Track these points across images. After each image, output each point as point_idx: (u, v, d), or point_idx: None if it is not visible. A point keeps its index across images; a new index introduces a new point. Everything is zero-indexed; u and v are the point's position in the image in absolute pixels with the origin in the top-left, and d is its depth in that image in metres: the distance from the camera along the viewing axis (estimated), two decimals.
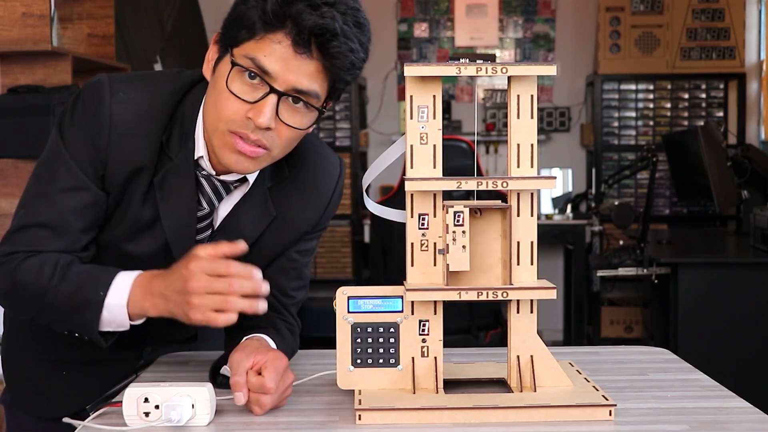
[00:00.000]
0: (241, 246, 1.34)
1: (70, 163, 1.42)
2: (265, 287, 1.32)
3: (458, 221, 1.29)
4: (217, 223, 1.51)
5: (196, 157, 1.45)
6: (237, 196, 1.51)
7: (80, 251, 1.46)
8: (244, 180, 1.49)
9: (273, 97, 1.34)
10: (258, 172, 1.49)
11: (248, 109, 1.35)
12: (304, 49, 1.32)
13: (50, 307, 1.41)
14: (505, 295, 1.31)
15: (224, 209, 1.51)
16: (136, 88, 1.44)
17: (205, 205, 1.48)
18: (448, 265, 1.30)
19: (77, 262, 1.43)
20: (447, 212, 1.30)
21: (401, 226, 1.36)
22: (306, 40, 1.31)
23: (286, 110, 1.36)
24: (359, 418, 1.26)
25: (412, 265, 1.34)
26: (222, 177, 1.46)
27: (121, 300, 1.38)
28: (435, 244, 1.34)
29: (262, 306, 1.32)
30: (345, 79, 1.37)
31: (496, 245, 1.36)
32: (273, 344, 1.46)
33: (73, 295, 1.39)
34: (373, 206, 1.42)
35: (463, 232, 1.29)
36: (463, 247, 1.29)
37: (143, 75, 1.53)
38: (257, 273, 1.32)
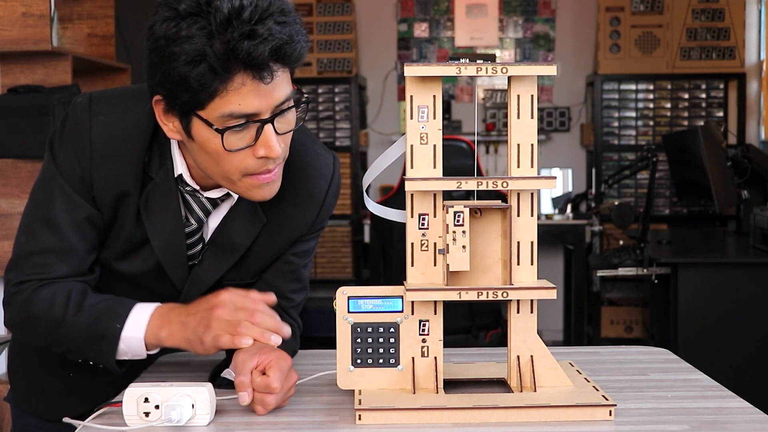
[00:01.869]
0: (271, 298, 1.42)
1: (65, 184, 1.41)
2: (286, 330, 1.38)
3: (458, 221, 1.29)
4: (207, 236, 1.50)
5: (176, 174, 1.43)
6: (225, 208, 1.49)
7: (87, 274, 1.46)
8: (227, 193, 1.47)
9: (268, 126, 1.32)
10: None
11: (254, 151, 1.33)
12: (270, 75, 1.28)
13: (64, 339, 1.42)
14: (505, 295, 1.31)
15: (213, 221, 1.50)
16: (117, 108, 1.42)
17: (192, 221, 1.47)
18: (448, 265, 1.30)
19: (90, 291, 1.44)
20: (447, 212, 1.30)
21: (401, 226, 1.36)
22: (267, 69, 1.27)
23: (280, 123, 1.34)
24: (359, 418, 1.26)
25: (412, 265, 1.34)
26: (207, 194, 1.45)
27: (138, 333, 1.39)
28: (435, 244, 1.34)
29: (275, 339, 1.36)
30: (301, 61, 1.35)
31: (496, 245, 1.36)
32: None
33: (88, 327, 1.40)
34: (373, 206, 1.42)
35: (463, 232, 1.29)
36: (463, 247, 1.29)
37: (126, 92, 1.49)
38: (285, 330, 1.38)
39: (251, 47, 1.24)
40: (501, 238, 1.36)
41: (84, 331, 1.40)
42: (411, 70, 1.29)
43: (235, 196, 1.47)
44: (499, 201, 1.36)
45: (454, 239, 1.29)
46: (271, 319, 1.37)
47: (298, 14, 1.33)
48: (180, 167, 1.43)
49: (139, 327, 1.39)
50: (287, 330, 1.38)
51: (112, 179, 1.41)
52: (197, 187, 1.44)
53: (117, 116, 1.42)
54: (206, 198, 1.45)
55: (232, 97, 1.28)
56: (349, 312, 1.35)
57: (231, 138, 1.31)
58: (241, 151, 1.32)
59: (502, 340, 3.75)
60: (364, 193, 1.45)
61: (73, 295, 1.41)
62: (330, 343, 1.51)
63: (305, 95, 1.39)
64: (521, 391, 1.34)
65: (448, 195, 1.36)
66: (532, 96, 1.32)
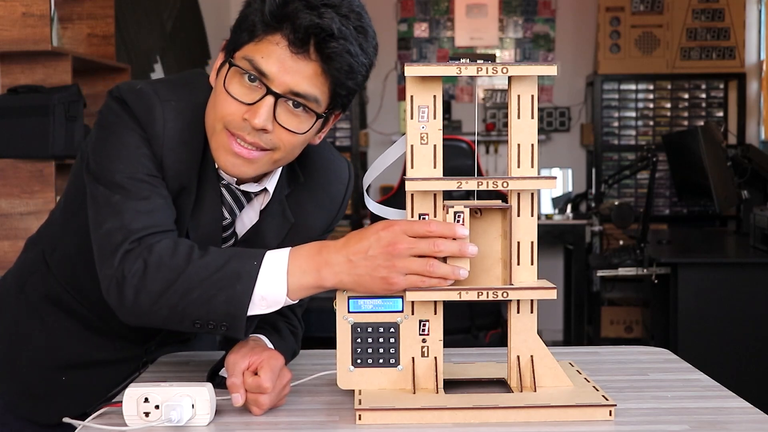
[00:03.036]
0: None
1: (148, 164, 1.36)
2: (472, 249, 1.28)
3: (458, 221, 1.29)
4: (241, 233, 1.50)
5: (216, 166, 1.42)
6: (256, 205, 1.49)
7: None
8: (264, 189, 1.47)
9: (270, 99, 1.32)
10: (277, 181, 1.47)
11: (245, 111, 1.33)
12: (301, 49, 1.29)
13: (187, 284, 1.28)
14: (505, 295, 1.31)
15: (246, 218, 1.49)
16: (181, 95, 1.41)
17: (226, 214, 1.46)
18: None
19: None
20: (447, 212, 1.30)
21: None
22: (302, 39, 1.29)
23: (284, 113, 1.34)
24: (359, 418, 1.26)
25: None
26: (242, 187, 1.45)
27: (280, 268, 1.28)
28: None
29: (463, 273, 1.28)
30: (345, 83, 1.33)
31: (497, 245, 1.36)
32: (270, 344, 1.45)
33: (220, 268, 1.28)
34: (373, 206, 1.42)
35: None
36: None
37: (182, 81, 1.47)
38: (462, 230, 1.27)
39: (301, 12, 1.28)
40: (501, 238, 1.35)
41: (214, 272, 1.27)
42: (411, 70, 1.29)
43: (270, 192, 1.47)
44: (500, 201, 1.36)
45: (454, 239, 1.29)
46: (453, 243, 1.27)
47: (372, 46, 1.35)
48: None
49: (280, 263, 1.29)
50: (473, 249, 1.28)
51: (178, 168, 1.38)
52: (233, 180, 1.43)
53: (185, 103, 1.40)
54: (241, 191, 1.45)
55: (261, 47, 1.31)
56: (349, 312, 1.35)
57: (237, 86, 1.34)
58: (234, 101, 1.33)
59: (502, 340, 3.75)
60: (365, 193, 1.46)
61: (196, 246, 1.32)
62: (330, 343, 1.51)
63: (322, 116, 1.37)
64: (521, 391, 1.34)
65: (448, 195, 1.36)
66: (532, 96, 1.32)
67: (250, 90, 1.33)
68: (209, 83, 1.42)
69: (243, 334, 1.31)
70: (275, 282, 1.29)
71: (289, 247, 1.32)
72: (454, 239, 1.28)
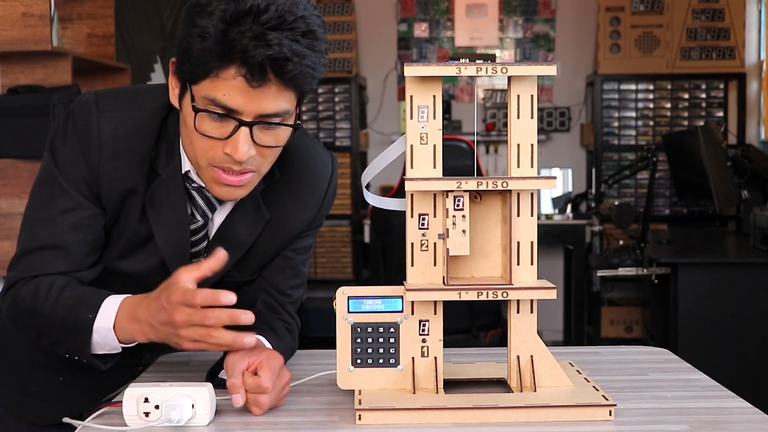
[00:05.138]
0: (220, 256, 1.31)
1: (65, 184, 1.41)
2: (245, 317, 1.27)
3: (458, 206, 1.29)
4: (212, 233, 1.50)
5: (183, 171, 1.44)
6: (229, 204, 1.49)
7: (85, 269, 1.45)
8: None
9: (245, 129, 1.32)
10: None
11: (223, 146, 1.33)
12: (260, 81, 1.28)
13: (46, 330, 1.42)
14: (505, 295, 1.31)
15: (218, 218, 1.50)
16: (123, 105, 1.43)
17: (198, 217, 1.47)
18: (448, 249, 1.30)
19: (74, 283, 1.43)
20: (447, 197, 1.30)
21: (401, 226, 1.36)
22: (259, 73, 1.27)
23: (262, 134, 1.34)
24: (359, 418, 1.26)
25: (412, 265, 1.34)
26: None
27: (108, 323, 1.37)
28: (435, 244, 1.34)
29: (247, 340, 1.28)
30: (309, 86, 1.34)
31: (496, 230, 1.36)
32: (268, 344, 1.45)
33: (64, 318, 1.39)
34: (371, 198, 1.42)
35: (463, 216, 1.29)
36: (463, 231, 1.29)
37: (131, 91, 1.50)
38: (227, 298, 1.26)
39: (251, 46, 1.25)
40: (501, 223, 1.35)
41: (61, 323, 1.39)
42: (411, 70, 1.29)
43: None
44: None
45: (454, 224, 1.29)
46: (224, 313, 1.26)
47: (324, 45, 1.33)
48: (187, 164, 1.43)
49: (108, 318, 1.37)
50: (247, 317, 1.27)
51: (120, 176, 1.41)
52: (203, 184, 1.44)
53: (125, 113, 1.42)
54: (212, 194, 1.46)
55: (220, 85, 1.29)
56: (349, 312, 1.35)
57: (207, 123, 1.33)
58: (211, 139, 1.33)
59: (502, 340, 3.75)
60: (364, 190, 1.46)
61: (53, 287, 1.41)
62: (330, 343, 1.51)
63: (298, 125, 1.38)
64: (521, 391, 1.34)
65: None
66: (532, 96, 1.32)
67: (220, 123, 1.32)
68: (163, 89, 1.44)
69: (102, 367, 1.42)
70: (107, 333, 1.38)
71: (125, 296, 1.39)
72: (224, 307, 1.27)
